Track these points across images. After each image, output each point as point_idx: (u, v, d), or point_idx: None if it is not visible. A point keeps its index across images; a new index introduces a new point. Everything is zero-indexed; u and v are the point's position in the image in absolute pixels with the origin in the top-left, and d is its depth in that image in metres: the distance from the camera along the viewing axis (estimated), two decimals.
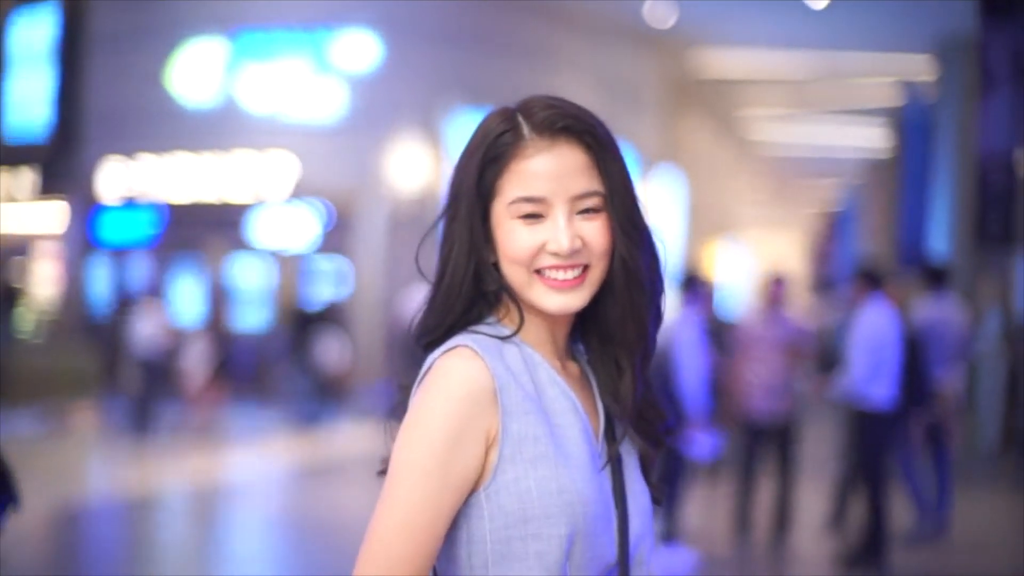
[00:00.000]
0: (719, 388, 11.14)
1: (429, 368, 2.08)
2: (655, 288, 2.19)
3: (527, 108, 2.15)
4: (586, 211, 2.12)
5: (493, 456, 2.03)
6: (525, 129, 2.13)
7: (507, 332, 2.15)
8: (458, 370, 2.04)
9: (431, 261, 2.22)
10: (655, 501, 2.25)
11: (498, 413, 2.03)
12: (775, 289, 10.77)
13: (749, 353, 10.60)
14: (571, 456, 2.07)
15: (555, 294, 2.11)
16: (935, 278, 12.07)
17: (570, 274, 2.11)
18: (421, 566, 1.99)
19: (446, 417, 2.01)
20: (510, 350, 2.13)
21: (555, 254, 2.09)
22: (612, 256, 2.13)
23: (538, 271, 2.11)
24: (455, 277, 2.15)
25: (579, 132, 2.12)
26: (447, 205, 2.19)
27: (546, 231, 2.10)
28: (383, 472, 2.18)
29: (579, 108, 2.16)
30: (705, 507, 11.55)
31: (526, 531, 2.01)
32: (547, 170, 2.10)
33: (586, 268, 2.12)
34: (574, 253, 2.09)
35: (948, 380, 11.07)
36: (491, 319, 2.17)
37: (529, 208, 2.10)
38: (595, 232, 2.11)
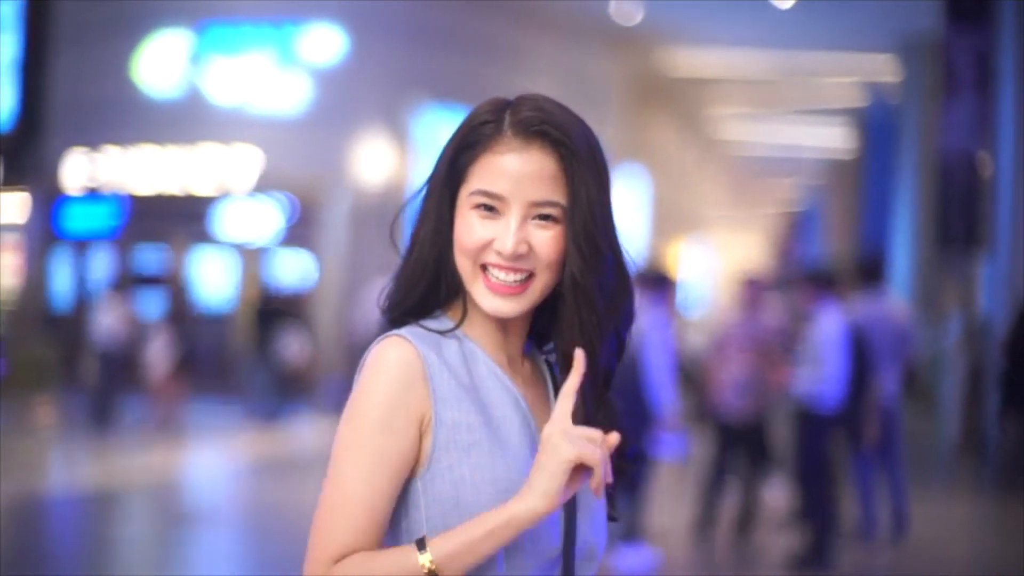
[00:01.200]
0: (695, 386, 11.14)
1: (366, 357, 2.10)
2: (612, 313, 2.15)
3: (517, 104, 2.15)
4: (544, 218, 2.10)
5: (428, 443, 2.05)
6: (506, 124, 2.12)
7: (450, 325, 2.16)
8: (389, 355, 2.06)
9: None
10: (609, 518, 2.24)
11: (430, 399, 2.05)
12: (749, 289, 10.74)
13: (723, 352, 10.60)
14: (508, 447, 2.08)
15: (492, 296, 2.11)
16: (868, 275, 11.56)
17: (511, 277, 2.10)
18: (363, 537, 2.01)
19: (378, 398, 2.04)
20: (449, 344, 2.14)
21: (498, 253, 2.08)
22: (562, 270, 2.11)
23: (483, 267, 2.11)
24: (422, 253, 2.16)
25: (555, 140, 2.11)
26: (426, 181, 2.20)
27: (497, 229, 2.10)
28: None
29: (570, 118, 2.15)
30: (671, 506, 11.57)
31: (459, 519, 2.01)
32: (512, 170, 2.09)
33: (531, 276, 2.10)
34: (517, 258, 2.08)
35: (881, 380, 10.87)
36: (438, 313, 2.18)
37: (485, 201, 2.10)
38: (545, 241, 2.09)
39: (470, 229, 2.10)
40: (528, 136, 2.11)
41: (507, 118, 2.13)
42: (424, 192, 2.19)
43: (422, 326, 2.14)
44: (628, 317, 2.20)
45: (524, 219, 2.09)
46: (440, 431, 2.04)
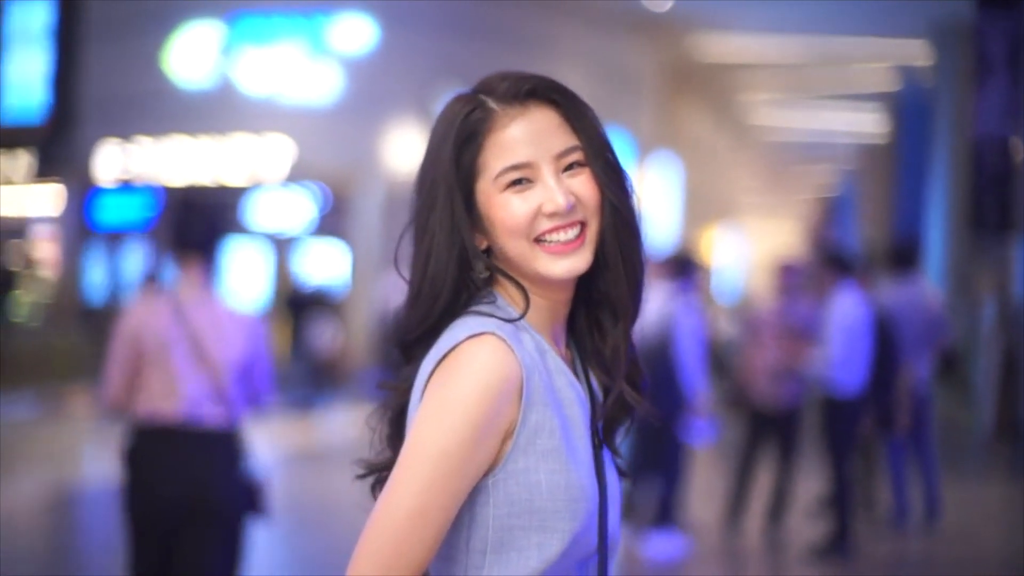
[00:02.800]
0: (728, 373, 11.09)
1: (449, 352, 2.02)
2: (641, 241, 2.19)
3: (486, 85, 2.15)
4: (570, 168, 2.12)
5: (507, 444, 2.01)
6: (492, 103, 2.12)
7: (515, 314, 2.11)
8: (488, 359, 1.99)
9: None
10: (621, 474, 2.23)
11: (520, 403, 2.01)
12: (785, 275, 10.67)
13: (756, 338, 10.56)
14: (577, 450, 2.06)
15: (560, 259, 2.09)
16: (901, 260, 11.45)
17: (571, 233, 2.09)
18: (427, 552, 1.96)
19: (475, 407, 1.97)
20: (524, 336, 2.09)
21: (553, 214, 2.08)
22: (603, 208, 2.13)
23: (538, 240, 2.09)
24: (439, 266, 2.10)
25: (545, 93, 2.13)
26: (420, 197, 2.15)
27: (539, 195, 2.09)
28: (364, 476, 2.18)
29: (533, 73, 2.16)
30: (701, 493, 11.55)
31: (530, 522, 1.99)
32: (525, 134, 2.10)
33: (583, 226, 2.11)
34: (571, 210, 2.09)
35: (911, 367, 10.80)
36: (490, 299, 2.13)
37: (516, 175, 2.09)
38: (584, 186, 2.11)
39: (512, 209, 2.09)
40: (522, 100, 2.12)
41: (487, 99, 2.13)
42: (421, 207, 2.14)
43: (494, 316, 2.08)
44: (643, 255, 2.22)
45: (558, 173, 2.11)
46: (523, 434, 2.01)
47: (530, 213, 2.08)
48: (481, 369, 1.98)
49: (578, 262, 2.10)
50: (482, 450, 1.98)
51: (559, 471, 2.01)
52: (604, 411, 2.17)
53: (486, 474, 2.01)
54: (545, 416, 2.02)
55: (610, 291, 2.16)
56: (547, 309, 2.15)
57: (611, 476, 2.16)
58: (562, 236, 2.09)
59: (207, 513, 5.65)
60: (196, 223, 6.14)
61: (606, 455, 2.18)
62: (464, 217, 2.11)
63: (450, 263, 2.10)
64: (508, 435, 2.01)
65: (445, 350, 2.02)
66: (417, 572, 1.96)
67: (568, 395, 2.10)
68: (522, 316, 2.10)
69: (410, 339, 2.15)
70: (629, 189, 2.17)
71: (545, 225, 2.08)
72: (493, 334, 2.01)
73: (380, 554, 1.95)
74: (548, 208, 2.08)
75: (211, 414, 5.64)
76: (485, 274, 2.13)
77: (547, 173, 2.09)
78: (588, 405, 2.14)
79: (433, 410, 1.99)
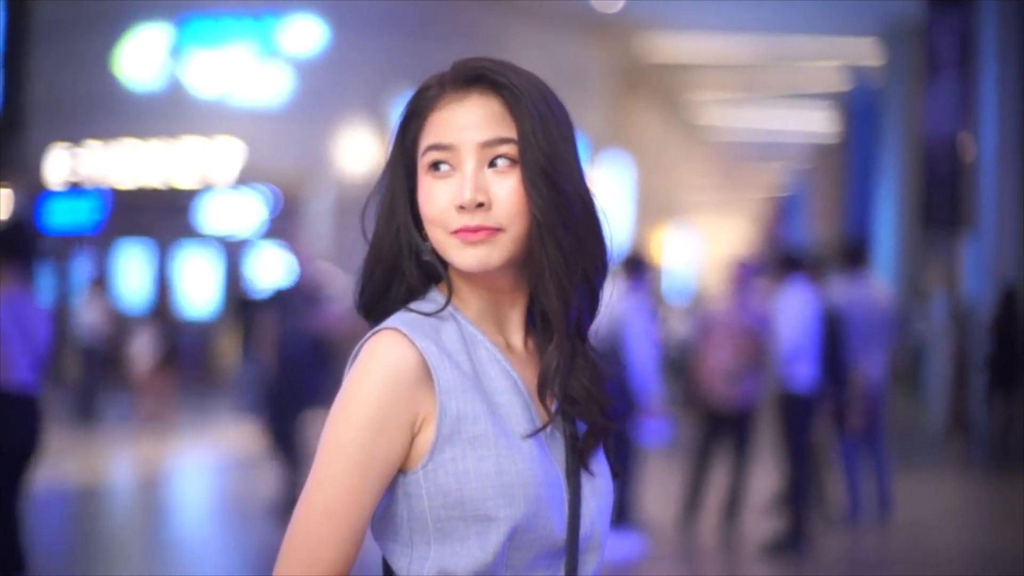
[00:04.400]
0: (681, 372, 11.07)
1: (357, 352, 2.02)
2: (581, 255, 2.07)
3: (453, 65, 2.13)
4: (498, 163, 2.04)
5: (429, 435, 1.98)
6: (445, 82, 2.10)
7: (443, 303, 2.08)
8: (383, 353, 1.98)
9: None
10: (614, 475, 2.18)
11: (434, 392, 1.98)
12: (739, 273, 10.65)
13: (711, 339, 10.54)
14: (511, 436, 2.01)
15: (469, 249, 2.02)
16: (852, 258, 11.41)
17: (477, 220, 2.02)
18: (344, 549, 1.96)
19: (369, 401, 1.96)
20: (448, 327, 2.06)
21: (460, 208, 2.01)
22: (528, 215, 2.03)
23: (455, 232, 2.03)
24: (376, 239, 2.11)
25: (492, 81, 2.07)
26: (382, 170, 2.16)
27: (455, 184, 2.03)
28: None
29: (510, 66, 2.11)
30: (655, 492, 11.55)
31: (464, 512, 1.96)
32: (457, 117, 2.05)
33: (499, 231, 2.02)
34: (478, 207, 2.01)
35: (862, 363, 10.84)
36: (433, 293, 2.11)
37: (437, 155, 2.04)
38: (505, 190, 2.02)
39: (430, 196, 2.04)
40: (466, 84, 2.08)
41: (447, 79, 2.11)
42: (380, 180, 2.14)
43: (414, 310, 2.07)
44: (600, 264, 2.12)
45: (479, 165, 2.03)
46: (444, 423, 1.97)
47: (445, 204, 2.03)
48: (374, 363, 1.98)
49: (482, 253, 2.02)
50: (384, 443, 1.96)
51: (487, 457, 1.97)
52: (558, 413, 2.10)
53: (415, 467, 1.99)
54: (466, 403, 1.99)
55: (542, 301, 2.08)
56: (487, 300, 2.11)
57: (594, 470, 2.11)
58: (470, 221, 2.03)
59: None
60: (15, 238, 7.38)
61: (597, 454, 2.14)
62: (404, 194, 2.10)
63: (386, 237, 2.10)
64: (425, 425, 1.99)
65: (356, 350, 2.03)
66: (338, 571, 1.96)
67: (501, 384, 2.05)
68: (445, 306, 2.07)
69: (359, 303, 2.15)
70: (563, 204, 2.04)
71: (457, 222, 2.02)
72: (392, 328, 2.00)
73: (296, 556, 1.97)
74: (456, 200, 2.01)
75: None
76: (428, 257, 2.09)
77: (467, 161, 2.03)
78: (527, 394, 2.08)
79: (333, 409, 1.99)
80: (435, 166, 2.05)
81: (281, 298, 10.65)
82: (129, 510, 12.17)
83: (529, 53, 25.41)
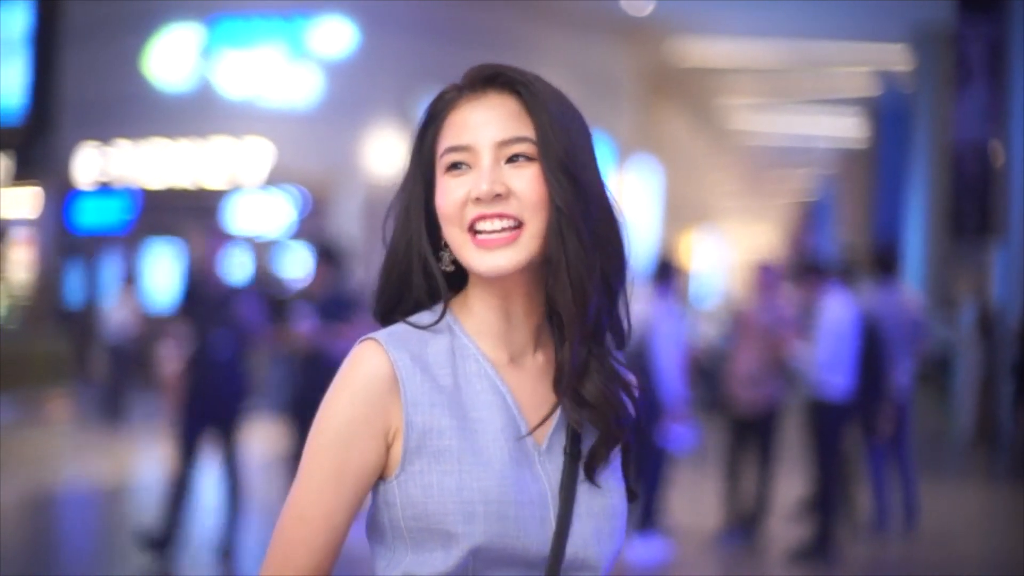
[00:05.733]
0: (709, 377, 11.02)
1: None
2: (600, 250, 2.04)
3: (469, 69, 2.13)
4: (516, 160, 2.03)
5: (399, 447, 1.99)
6: (462, 86, 2.11)
7: (429, 320, 2.08)
8: (358, 364, 2.00)
9: None
10: (629, 494, 2.13)
11: (399, 405, 1.99)
12: (763, 275, 10.61)
13: (739, 342, 10.53)
14: (482, 452, 1.99)
15: (485, 253, 2.01)
16: (882, 265, 11.41)
17: (498, 225, 2.00)
18: (319, 553, 1.99)
19: (340, 410, 1.99)
20: (439, 340, 2.06)
21: (477, 200, 2.00)
22: (548, 208, 2.01)
23: (471, 230, 2.01)
24: (391, 247, 2.12)
25: (508, 81, 2.07)
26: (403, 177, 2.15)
27: (471, 180, 2.02)
28: None
29: (519, 68, 2.11)
30: (681, 498, 11.54)
31: (428, 524, 1.96)
32: (474, 118, 2.05)
33: (520, 226, 2.01)
34: (496, 199, 2.00)
35: (891, 371, 10.81)
36: (438, 306, 2.10)
37: (455, 157, 2.04)
38: (525, 181, 2.01)
39: (446, 192, 2.03)
40: (483, 85, 2.09)
41: (463, 82, 2.11)
42: (400, 184, 2.14)
43: (410, 322, 2.07)
44: (618, 264, 2.09)
45: (496, 161, 2.02)
46: (411, 435, 1.98)
47: (460, 199, 2.02)
48: (349, 373, 2.01)
49: (503, 258, 2.00)
50: (357, 451, 1.98)
51: (450, 472, 1.96)
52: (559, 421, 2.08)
53: (390, 477, 2.00)
54: (433, 416, 1.98)
55: (556, 298, 2.04)
56: (497, 311, 2.09)
57: (595, 489, 2.07)
58: (490, 226, 2.00)
59: None
60: None
61: (606, 472, 2.09)
62: (419, 203, 2.10)
63: (403, 237, 2.10)
64: (396, 436, 1.99)
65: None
66: (314, 573, 1.99)
67: (485, 399, 2.03)
68: (436, 321, 2.07)
69: (375, 310, 2.15)
70: (592, 199, 2.04)
71: (472, 212, 2.01)
72: (371, 339, 2.02)
73: (273, 558, 2.01)
74: (473, 192, 2.00)
75: None
76: (450, 268, 2.09)
77: (484, 157, 2.02)
78: (516, 410, 2.05)
79: (315, 418, 2.03)
80: (453, 166, 2.05)
81: (192, 304, 9.61)
82: (155, 509, 12.20)
83: (558, 57, 25.44)
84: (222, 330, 9.34)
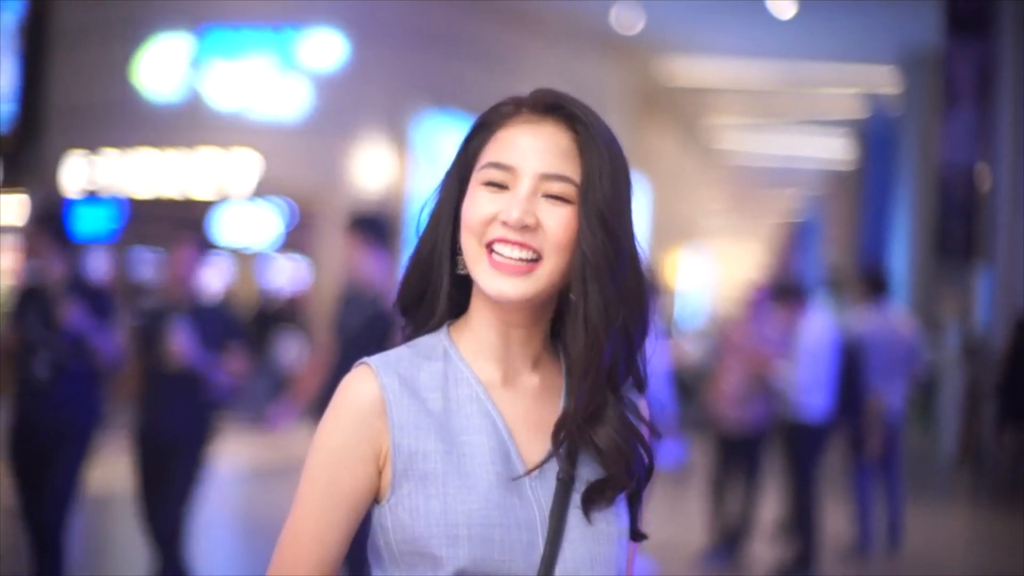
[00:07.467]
0: (693, 396, 11.03)
1: None
2: (624, 305, 2.05)
3: (534, 91, 2.13)
4: (554, 197, 2.02)
5: (388, 472, 2.01)
6: (523, 105, 2.10)
7: (444, 340, 2.10)
8: (349, 389, 2.04)
9: None
10: (635, 536, 2.13)
11: (387, 429, 2.01)
12: (754, 297, 10.63)
13: (725, 361, 10.54)
14: (468, 476, 1.99)
15: (496, 276, 2.01)
16: (874, 287, 11.40)
17: (517, 253, 2.00)
18: (314, 572, 2.01)
19: (331, 434, 2.03)
20: (433, 365, 2.08)
21: (504, 224, 1.99)
22: (573, 251, 2.01)
23: (489, 247, 2.01)
24: (419, 242, 2.12)
25: (569, 115, 2.07)
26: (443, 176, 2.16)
27: (504, 201, 2.02)
28: None
29: (588, 107, 2.10)
30: (666, 515, 11.54)
31: (415, 548, 1.98)
32: (525, 141, 2.04)
33: (539, 259, 2.01)
34: (523, 228, 1.99)
35: (882, 392, 10.82)
36: (443, 329, 2.12)
37: (495, 174, 2.03)
38: (556, 219, 2.00)
39: (475, 203, 2.03)
40: (542, 112, 2.08)
41: (525, 101, 2.10)
42: (439, 182, 2.15)
43: (411, 347, 2.10)
44: (640, 319, 2.11)
45: (534, 192, 2.01)
46: (398, 460, 2.00)
47: (488, 215, 2.02)
48: (339, 397, 2.04)
49: (513, 286, 2.00)
50: (348, 475, 2.01)
51: (435, 496, 1.97)
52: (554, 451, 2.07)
53: (383, 500, 2.02)
54: (419, 440, 2.01)
55: (568, 344, 2.06)
56: (496, 331, 2.10)
57: (589, 518, 2.04)
58: (509, 252, 2.00)
59: None
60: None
61: (613, 512, 2.08)
62: (451, 206, 2.10)
63: (430, 240, 2.11)
64: (385, 460, 2.02)
65: None
66: None
67: (475, 423, 2.04)
68: (433, 344, 2.10)
69: (400, 305, 2.16)
70: (616, 253, 2.03)
71: (497, 233, 2.01)
72: (364, 364, 2.05)
73: (275, 569, 2.05)
74: (502, 216, 2.00)
75: None
76: (464, 271, 2.09)
77: (523, 184, 2.01)
78: (507, 434, 2.05)
79: (312, 441, 2.07)
80: (490, 182, 2.04)
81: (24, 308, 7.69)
82: (135, 521, 12.16)
83: (547, 73, 25.45)
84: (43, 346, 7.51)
